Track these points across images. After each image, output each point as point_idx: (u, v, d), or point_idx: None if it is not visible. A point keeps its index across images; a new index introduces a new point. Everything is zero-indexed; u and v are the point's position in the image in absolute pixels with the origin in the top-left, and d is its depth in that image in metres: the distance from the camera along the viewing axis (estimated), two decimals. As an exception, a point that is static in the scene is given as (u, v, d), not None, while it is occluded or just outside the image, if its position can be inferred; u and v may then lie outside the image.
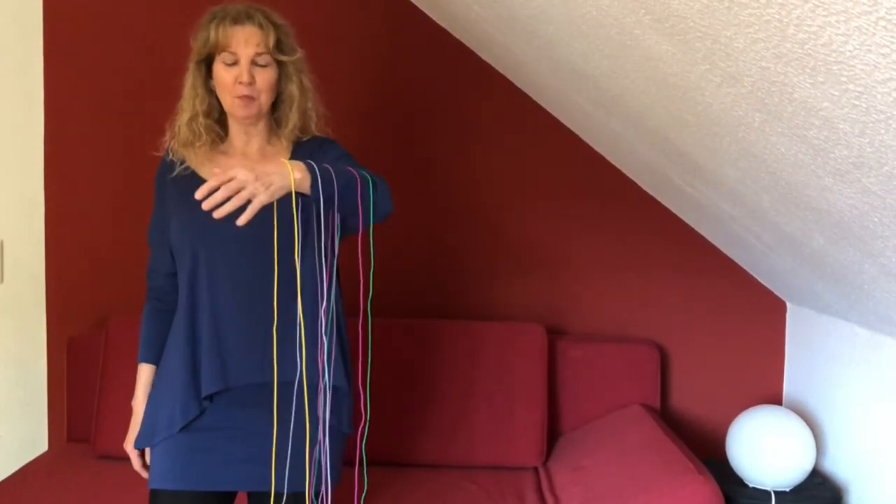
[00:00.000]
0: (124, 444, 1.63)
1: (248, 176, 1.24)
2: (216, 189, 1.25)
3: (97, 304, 2.49)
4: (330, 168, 1.34)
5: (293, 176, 1.28)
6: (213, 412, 1.52)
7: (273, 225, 1.50)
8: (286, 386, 1.52)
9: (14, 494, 2.00)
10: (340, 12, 2.48)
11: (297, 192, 1.30)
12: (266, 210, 1.51)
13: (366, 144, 2.45)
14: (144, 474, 1.61)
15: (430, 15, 2.46)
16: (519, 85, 2.45)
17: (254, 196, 1.25)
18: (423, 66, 2.49)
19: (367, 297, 1.43)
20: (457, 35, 2.45)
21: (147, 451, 1.61)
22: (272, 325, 1.50)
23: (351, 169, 1.39)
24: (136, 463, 1.62)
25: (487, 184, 2.52)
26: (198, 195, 1.25)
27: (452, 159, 2.51)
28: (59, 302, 2.53)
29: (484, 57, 2.45)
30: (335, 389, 1.56)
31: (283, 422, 1.53)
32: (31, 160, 2.49)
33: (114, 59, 2.50)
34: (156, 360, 1.63)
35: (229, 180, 1.24)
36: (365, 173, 1.42)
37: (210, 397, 1.52)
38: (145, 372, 1.64)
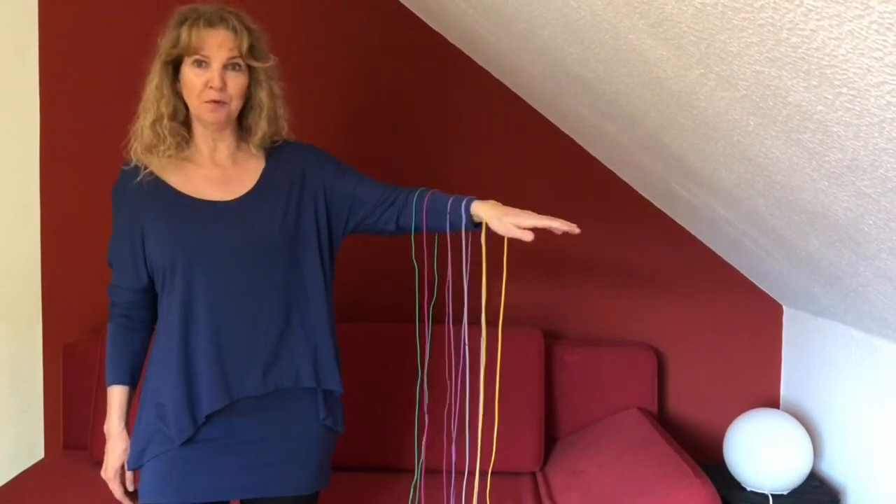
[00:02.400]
0: (102, 473, 1.53)
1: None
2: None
3: (93, 311, 2.48)
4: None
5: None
6: (207, 424, 1.48)
7: (266, 230, 1.50)
8: (285, 393, 1.52)
9: (10, 502, 2.00)
10: (336, 18, 2.48)
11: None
12: (262, 215, 1.51)
13: (361, 149, 2.45)
14: (128, 503, 1.53)
15: (426, 20, 2.46)
16: (514, 89, 2.45)
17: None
18: (419, 70, 2.50)
19: (429, 302, 1.45)
20: (452, 40, 2.45)
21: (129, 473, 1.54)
22: (271, 334, 1.50)
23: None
24: (118, 492, 1.52)
25: (483, 187, 2.51)
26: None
27: (448, 163, 2.51)
28: (54, 309, 2.52)
29: (479, 62, 2.45)
30: (331, 392, 1.56)
31: (283, 427, 1.53)
32: (26, 166, 2.49)
33: (109, 65, 2.50)
34: (129, 380, 1.53)
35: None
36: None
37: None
38: (118, 394, 1.53)
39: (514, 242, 1.44)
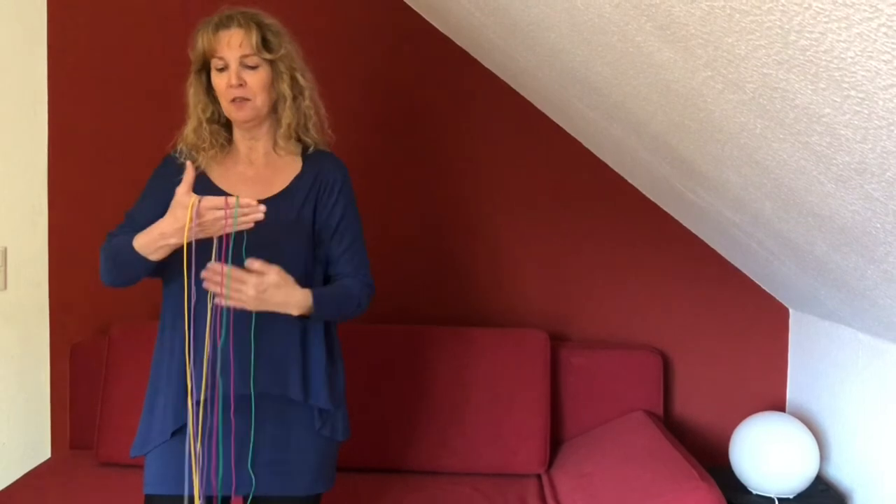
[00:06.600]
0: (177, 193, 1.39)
1: (251, 298, 1.41)
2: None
3: (100, 311, 2.49)
4: (333, 301, 1.55)
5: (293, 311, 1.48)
6: (205, 419, 1.50)
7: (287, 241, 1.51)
8: (279, 397, 1.53)
9: (16, 501, 2.00)
10: (343, 21, 2.48)
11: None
12: (272, 222, 1.51)
13: (368, 152, 2.46)
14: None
15: (433, 23, 2.46)
16: (521, 92, 2.45)
17: (242, 303, 1.42)
18: (426, 73, 2.50)
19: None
20: (459, 43, 2.45)
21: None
22: (266, 340, 1.51)
23: (351, 291, 1.58)
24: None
25: (489, 189, 2.52)
26: (207, 278, 1.40)
27: (455, 166, 2.52)
28: (61, 309, 2.53)
29: (486, 64, 2.45)
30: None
31: (279, 430, 1.53)
32: (34, 167, 2.50)
33: (118, 66, 2.51)
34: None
35: (238, 290, 1.40)
36: (358, 294, 1.60)
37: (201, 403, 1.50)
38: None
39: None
